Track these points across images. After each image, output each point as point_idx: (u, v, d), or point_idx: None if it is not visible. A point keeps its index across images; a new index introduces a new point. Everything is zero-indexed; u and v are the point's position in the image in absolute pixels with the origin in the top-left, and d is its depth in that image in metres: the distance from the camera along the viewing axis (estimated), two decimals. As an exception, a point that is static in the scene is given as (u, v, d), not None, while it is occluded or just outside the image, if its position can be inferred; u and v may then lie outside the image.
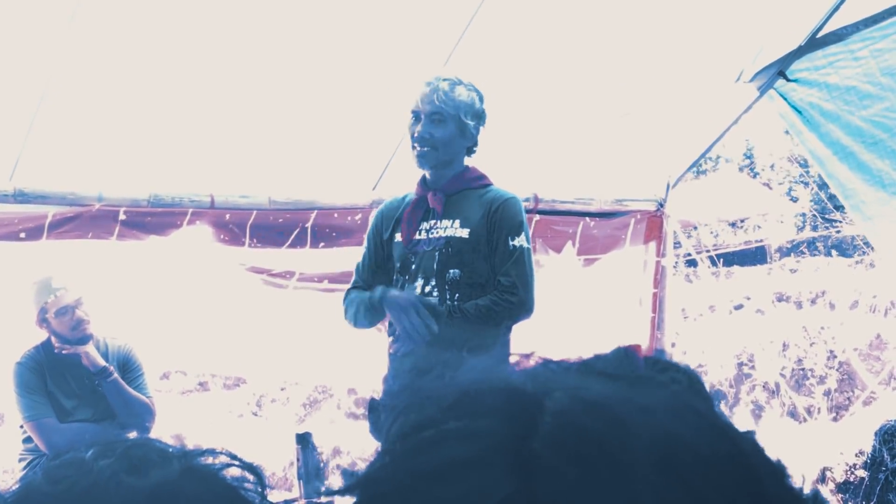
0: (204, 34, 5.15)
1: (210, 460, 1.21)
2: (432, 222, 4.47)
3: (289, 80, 5.52)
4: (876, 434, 7.88)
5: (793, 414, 10.68)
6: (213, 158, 5.80)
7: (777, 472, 0.70)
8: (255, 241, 6.04)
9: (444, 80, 4.40)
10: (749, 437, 0.70)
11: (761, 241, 15.17)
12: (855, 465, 8.09)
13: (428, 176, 4.50)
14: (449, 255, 4.37)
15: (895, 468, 7.60)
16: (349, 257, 5.36)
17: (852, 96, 5.43)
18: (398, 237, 4.52)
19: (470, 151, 4.51)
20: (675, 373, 0.74)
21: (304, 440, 5.78)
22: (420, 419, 0.68)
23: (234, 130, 5.67)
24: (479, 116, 4.46)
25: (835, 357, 11.09)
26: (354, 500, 0.69)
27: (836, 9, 5.26)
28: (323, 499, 5.28)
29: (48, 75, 5.07)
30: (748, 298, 12.44)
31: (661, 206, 6.68)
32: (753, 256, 14.75)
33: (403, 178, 5.09)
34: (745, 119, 6.31)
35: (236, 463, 1.23)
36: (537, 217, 6.53)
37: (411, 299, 4.23)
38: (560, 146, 6.26)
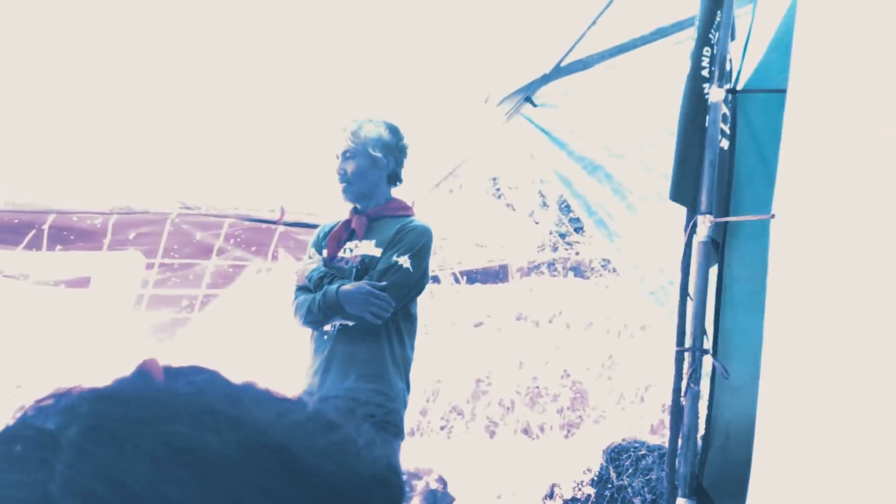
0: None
1: None
2: (354, 243, 4.88)
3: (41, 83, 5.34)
4: (604, 452, 8.15)
5: (526, 431, 10.95)
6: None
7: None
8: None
9: (354, 121, 4.91)
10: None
11: (503, 260, 15.50)
12: (583, 481, 8.34)
13: (358, 206, 4.94)
14: (363, 271, 4.75)
15: (620, 485, 7.88)
16: (86, 261, 5.24)
17: (597, 119, 5.62)
18: (325, 253, 4.95)
19: (392, 181, 4.98)
20: (193, 376, 0.81)
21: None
22: None
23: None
24: (391, 148, 4.92)
25: (569, 376, 11.43)
26: None
27: (580, 39, 5.43)
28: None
29: None
30: (489, 316, 12.69)
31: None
32: (496, 275, 15.05)
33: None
34: (490, 142, 6.43)
35: None
36: (282, 228, 6.68)
37: (364, 288, 4.60)
38: (307, 161, 6.26)
